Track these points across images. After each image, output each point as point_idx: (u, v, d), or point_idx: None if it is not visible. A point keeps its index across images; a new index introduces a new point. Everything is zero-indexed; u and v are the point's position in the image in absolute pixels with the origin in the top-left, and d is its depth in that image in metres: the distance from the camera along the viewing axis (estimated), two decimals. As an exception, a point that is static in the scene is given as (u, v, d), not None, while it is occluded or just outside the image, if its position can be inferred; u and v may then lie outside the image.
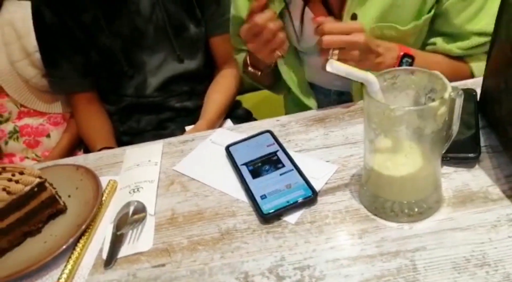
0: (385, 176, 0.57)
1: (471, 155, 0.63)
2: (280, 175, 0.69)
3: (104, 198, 0.73)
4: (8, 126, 1.20)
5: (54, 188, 0.71)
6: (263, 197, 0.65)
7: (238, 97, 1.26)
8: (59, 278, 0.60)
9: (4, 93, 1.16)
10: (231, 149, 0.77)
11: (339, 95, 1.03)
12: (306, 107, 0.96)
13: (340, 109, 0.83)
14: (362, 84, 0.53)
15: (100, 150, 1.05)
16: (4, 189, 0.64)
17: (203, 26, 1.15)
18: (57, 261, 0.63)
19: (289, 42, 0.95)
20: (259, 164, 0.72)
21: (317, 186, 0.66)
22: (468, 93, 0.74)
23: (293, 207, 0.63)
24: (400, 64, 0.81)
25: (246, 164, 0.73)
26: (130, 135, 1.20)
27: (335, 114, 0.82)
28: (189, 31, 1.13)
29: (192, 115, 1.17)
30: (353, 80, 0.57)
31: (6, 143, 1.21)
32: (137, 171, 0.78)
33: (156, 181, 0.75)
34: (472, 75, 0.88)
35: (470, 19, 0.83)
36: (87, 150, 1.18)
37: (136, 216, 0.68)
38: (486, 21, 0.82)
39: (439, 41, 0.88)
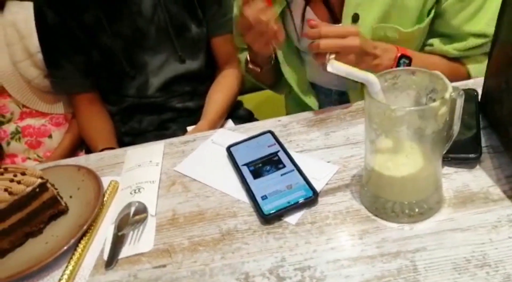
0: (386, 176, 0.57)
1: (472, 155, 0.63)
2: (281, 175, 0.69)
3: (105, 199, 0.73)
4: (10, 127, 1.20)
5: (56, 189, 0.71)
6: (264, 197, 0.65)
7: (240, 98, 1.26)
8: (60, 279, 0.60)
9: (6, 93, 1.16)
10: (232, 149, 0.78)
11: (340, 95, 1.03)
12: (307, 107, 0.96)
13: (341, 110, 0.83)
14: (362, 84, 0.53)
15: (101, 150, 1.06)
16: (6, 190, 0.65)
17: (204, 26, 1.15)
18: (59, 262, 0.63)
19: (290, 42, 0.95)
20: (260, 165, 0.72)
21: (318, 187, 0.66)
22: (469, 94, 0.74)
23: (294, 207, 0.63)
24: (397, 65, 0.81)
25: (247, 164, 0.73)
26: (132, 136, 1.20)
27: (336, 115, 0.82)
28: (191, 31, 1.13)
29: (193, 116, 1.17)
30: (350, 81, 0.57)
31: (8, 144, 1.21)
32: (138, 171, 0.78)
33: (157, 182, 0.75)
34: (469, 77, 0.88)
35: (468, 20, 0.83)
36: (89, 151, 1.18)
37: (137, 217, 0.68)
38: (484, 22, 0.82)
39: (436, 42, 0.88)
